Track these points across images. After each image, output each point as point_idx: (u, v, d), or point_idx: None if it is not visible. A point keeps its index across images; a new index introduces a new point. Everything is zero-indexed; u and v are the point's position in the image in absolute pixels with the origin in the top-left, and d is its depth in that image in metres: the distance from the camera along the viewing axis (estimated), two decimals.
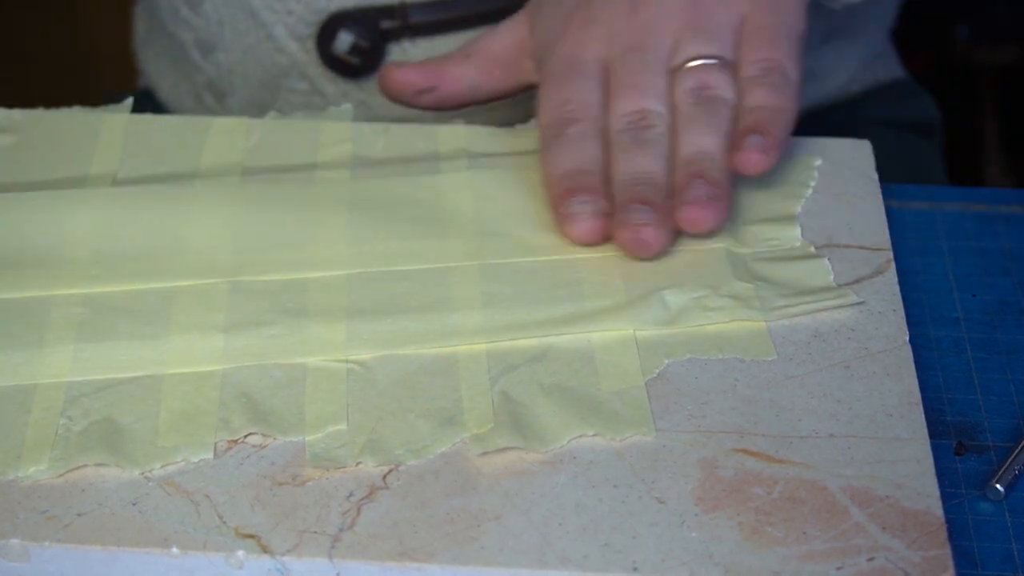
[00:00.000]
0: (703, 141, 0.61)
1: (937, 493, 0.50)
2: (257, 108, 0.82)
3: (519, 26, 0.69)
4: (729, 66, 0.63)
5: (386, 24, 0.78)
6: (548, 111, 0.64)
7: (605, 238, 0.60)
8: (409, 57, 0.78)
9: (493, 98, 0.69)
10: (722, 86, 0.63)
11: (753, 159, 0.61)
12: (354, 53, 0.78)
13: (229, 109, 0.84)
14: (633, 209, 0.59)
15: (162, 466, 0.52)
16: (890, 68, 0.92)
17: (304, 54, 0.80)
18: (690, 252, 0.60)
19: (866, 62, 0.90)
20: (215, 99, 0.85)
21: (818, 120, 0.88)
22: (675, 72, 0.63)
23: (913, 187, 0.69)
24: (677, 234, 0.60)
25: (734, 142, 0.61)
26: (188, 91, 0.87)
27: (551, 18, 0.67)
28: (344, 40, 0.78)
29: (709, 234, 0.61)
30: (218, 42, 0.82)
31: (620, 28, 0.64)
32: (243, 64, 0.82)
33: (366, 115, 0.79)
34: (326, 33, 0.79)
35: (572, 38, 0.65)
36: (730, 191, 0.61)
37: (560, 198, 0.61)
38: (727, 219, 0.60)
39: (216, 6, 0.81)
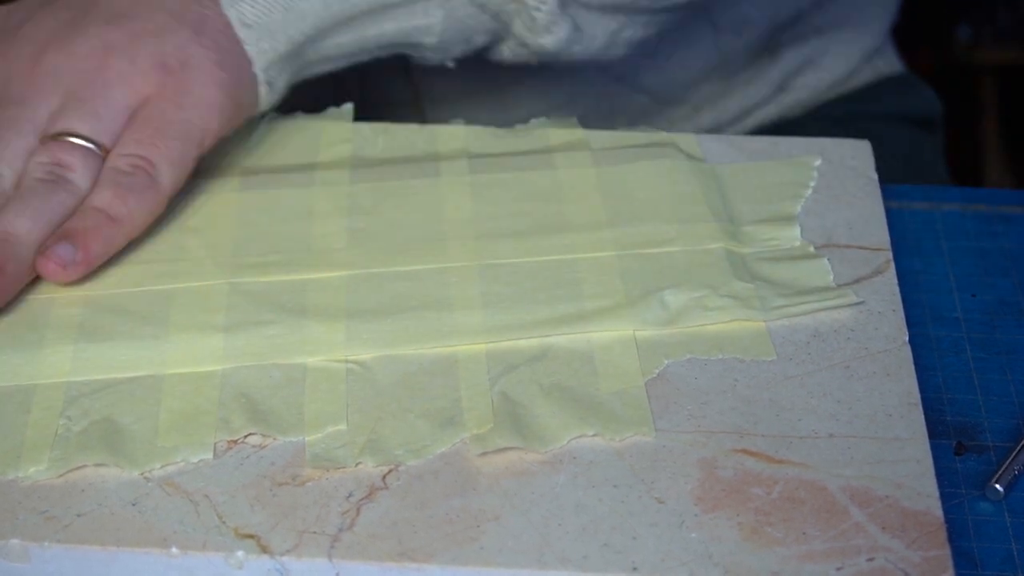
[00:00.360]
0: (14, 222, 0.57)
1: (937, 493, 0.50)
2: None
3: None
4: (98, 152, 0.60)
5: None
6: None
7: None
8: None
9: None
10: (76, 170, 0.59)
11: (50, 268, 0.57)
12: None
13: None
14: None
15: (162, 466, 0.52)
16: (891, 62, 0.92)
17: None
18: (690, 252, 0.60)
19: (867, 55, 0.89)
20: None
21: (819, 114, 0.88)
22: (43, 139, 0.60)
23: (913, 187, 0.69)
24: None
25: (44, 243, 0.57)
26: None
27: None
28: None
29: (710, 236, 0.60)
30: None
31: (17, 75, 0.61)
32: None
33: None
34: None
35: None
36: (12, 283, 0.57)
37: None
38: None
39: None
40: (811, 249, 0.61)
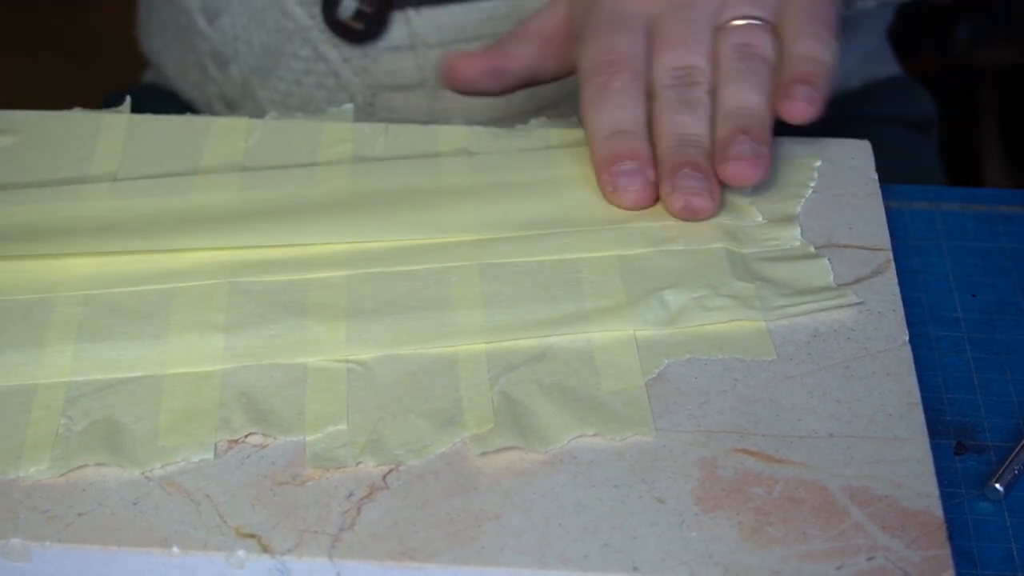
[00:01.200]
0: (746, 97, 0.63)
1: (936, 493, 0.50)
2: (259, 76, 0.82)
3: (560, 5, 0.69)
4: (771, 28, 0.65)
5: None
6: (591, 57, 0.64)
7: (653, 204, 0.62)
8: (412, 26, 0.78)
9: (552, 78, 0.69)
10: (765, 46, 0.64)
11: (800, 108, 0.62)
12: (358, 19, 0.79)
13: (231, 77, 0.84)
14: (683, 175, 0.61)
15: (162, 466, 0.52)
16: (887, 65, 0.92)
17: (309, 19, 0.80)
18: (690, 252, 0.60)
19: (863, 59, 0.90)
20: (218, 67, 0.85)
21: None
22: (719, 30, 0.65)
23: (913, 187, 0.69)
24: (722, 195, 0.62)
25: (783, 89, 0.62)
26: (192, 63, 0.87)
27: None
28: (348, 6, 0.78)
29: (710, 236, 0.61)
30: (224, 7, 0.82)
31: None
32: (247, 29, 0.82)
33: (367, 81, 0.80)
34: (331, 1, 0.79)
35: None
36: (771, 150, 0.62)
37: (606, 163, 0.62)
38: (765, 178, 0.62)
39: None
40: (811, 249, 0.61)
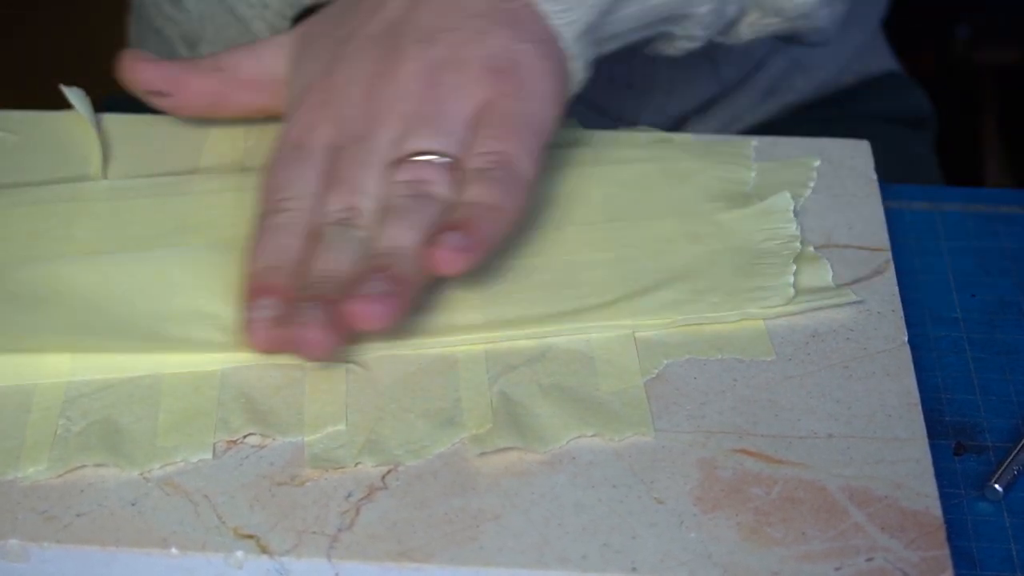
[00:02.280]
0: (399, 236, 0.57)
1: (936, 493, 0.50)
2: None
3: (280, 50, 0.66)
4: (453, 162, 0.59)
5: None
6: (263, 196, 0.60)
7: (287, 346, 0.55)
8: None
9: (236, 116, 0.66)
10: (437, 182, 0.58)
11: (445, 257, 0.55)
12: None
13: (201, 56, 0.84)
14: (302, 307, 0.55)
15: (161, 466, 0.52)
16: (882, 61, 0.92)
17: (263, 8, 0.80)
18: (689, 251, 0.60)
19: (857, 54, 0.89)
20: (188, 49, 0.85)
21: (810, 114, 0.88)
22: (396, 163, 0.59)
23: (913, 187, 0.69)
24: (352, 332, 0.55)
25: (430, 238, 0.56)
26: (166, 53, 0.87)
27: (302, 78, 0.64)
28: None
29: (708, 235, 0.61)
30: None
31: (351, 113, 0.61)
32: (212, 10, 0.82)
33: None
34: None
35: (304, 120, 0.62)
36: (415, 288, 0.56)
37: (246, 299, 0.57)
38: (404, 317, 0.56)
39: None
40: (811, 249, 0.61)
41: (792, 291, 0.58)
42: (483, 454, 0.52)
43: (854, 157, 0.66)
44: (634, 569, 0.48)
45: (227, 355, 0.56)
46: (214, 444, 0.52)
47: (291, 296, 0.55)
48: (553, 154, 0.65)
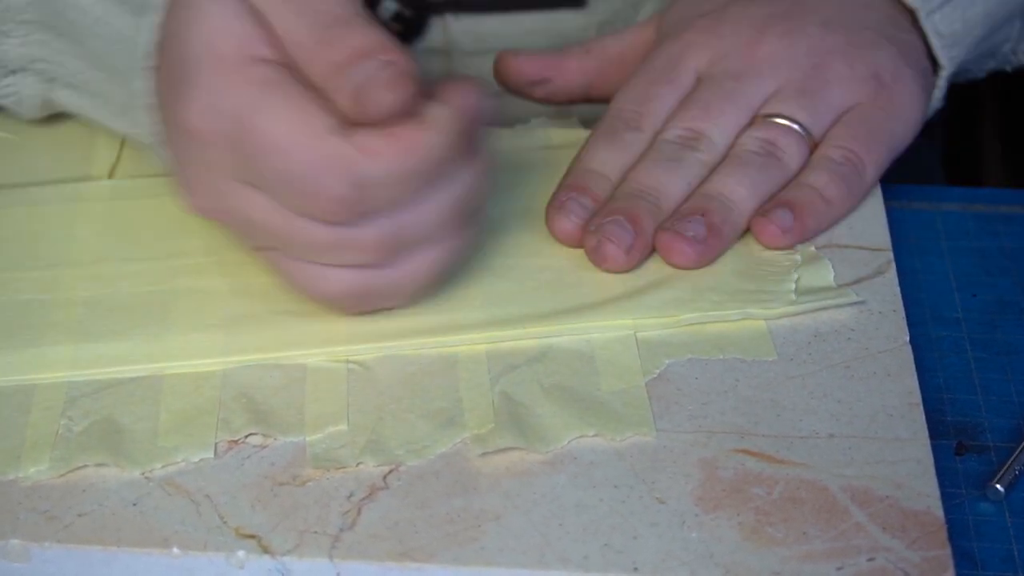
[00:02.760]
0: (733, 186, 0.60)
1: (937, 493, 0.50)
2: None
3: (645, 30, 0.68)
4: (809, 140, 0.62)
5: None
6: (623, 100, 0.63)
7: (590, 252, 0.59)
8: (449, 32, 0.77)
9: (606, 98, 0.66)
10: (790, 151, 0.61)
11: (770, 231, 0.60)
12: (397, 20, 0.77)
13: None
14: (613, 220, 0.59)
15: (163, 466, 0.52)
16: None
17: None
18: None
19: None
20: None
21: None
22: (756, 118, 0.62)
23: (913, 187, 0.69)
24: (647, 257, 0.59)
25: (764, 206, 0.60)
26: None
27: (677, 20, 0.66)
28: (389, 7, 0.77)
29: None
30: None
31: (734, 51, 0.63)
32: None
33: None
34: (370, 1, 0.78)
35: (684, 40, 0.64)
36: (726, 245, 0.60)
37: (560, 189, 0.61)
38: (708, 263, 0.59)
39: None
40: (812, 249, 0.61)
41: (793, 296, 0.58)
42: (484, 454, 0.52)
43: None
44: (635, 569, 0.48)
45: (229, 355, 0.56)
46: (215, 444, 0.52)
47: (603, 205, 0.60)
48: (554, 154, 0.65)
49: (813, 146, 0.62)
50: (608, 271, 0.59)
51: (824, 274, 0.59)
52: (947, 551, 0.49)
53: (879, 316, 0.58)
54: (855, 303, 0.58)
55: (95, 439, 0.52)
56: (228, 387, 0.55)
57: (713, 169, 0.61)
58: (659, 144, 0.61)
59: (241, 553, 0.49)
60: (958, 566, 0.49)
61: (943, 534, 0.49)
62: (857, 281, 0.59)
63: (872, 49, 0.64)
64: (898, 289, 0.59)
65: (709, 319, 0.57)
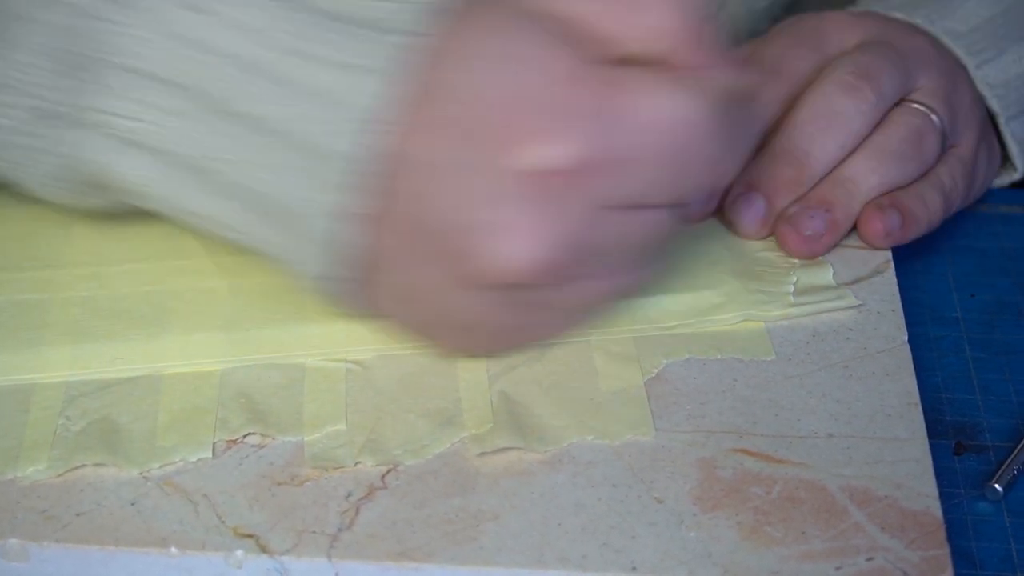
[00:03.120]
0: (866, 175, 0.61)
1: (936, 493, 0.50)
2: None
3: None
4: (944, 147, 0.63)
5: None
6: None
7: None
8: None
9: None
10: (931, 152, 0.62)
11: (875, 229, 0.60)
12: None
13: None
14: (808, 212, 0.60)
15: (161, 466, 0.52)
16: None
17: None
18: (689, 252, 0.60)
19: None
20: None
21: None
22: (905, 101, 0.62)
23: None
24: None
25: (882, 199, 0.61)
26: None
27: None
28: None
29: (708, 235, 0.61)
30: None
31: (883, 37, 0.64)
32: None
33: None
34: None
35: (833, 19, 0.65)
36: (840, 238, 0.61)
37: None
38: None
39: None
40: None
41: (792, 299, 0.58)
42: (483, 454, 0.52)
43: None
44: (634, 568, 0.48)
45: (227, 355, 0.55)
46: (213, 443, 0.52)
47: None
48: None
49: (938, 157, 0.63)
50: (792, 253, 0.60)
51: (824, 274, 0.59)
52: (946, 551, 0.48)
53: (877, 316, 0.58)
54: (854, 306, 0.58)
55: (93, 438, 0.52)
56: (227, 387, 0.55)
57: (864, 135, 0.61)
58: (831, 78, 0.61)
59: (239, 553, 0.49)
60: (957, 566, 0.49)
61: (942, 534, 0.49)
62: (856, 281, 0.59)
63: (979, 104, 0.65)
64: (897, 289, 0.59)
65: (708, 323, 0.57)
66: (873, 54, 0.62)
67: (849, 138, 0.60)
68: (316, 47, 0.49)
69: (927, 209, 0.62)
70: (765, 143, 0.61)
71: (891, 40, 0.64)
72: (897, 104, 0.62)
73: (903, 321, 0.57)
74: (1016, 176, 0.68)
